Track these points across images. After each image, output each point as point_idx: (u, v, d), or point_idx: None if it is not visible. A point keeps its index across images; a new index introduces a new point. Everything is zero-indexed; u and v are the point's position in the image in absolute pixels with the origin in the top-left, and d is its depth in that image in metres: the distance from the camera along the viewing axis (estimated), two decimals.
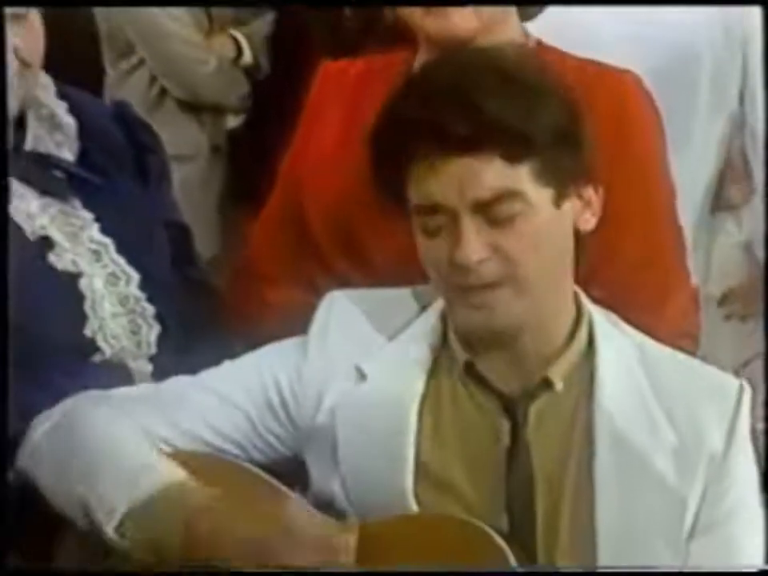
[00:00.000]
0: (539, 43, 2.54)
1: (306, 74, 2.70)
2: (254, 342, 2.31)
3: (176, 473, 2.17)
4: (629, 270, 2.42)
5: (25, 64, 2.40)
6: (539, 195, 2.08)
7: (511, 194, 2.06)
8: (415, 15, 2.45)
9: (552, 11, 2.62)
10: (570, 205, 2.12)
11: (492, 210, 2.05)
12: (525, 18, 2.56)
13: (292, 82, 2.84)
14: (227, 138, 4.39)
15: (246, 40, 4.30)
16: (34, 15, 2.43)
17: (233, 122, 4.40)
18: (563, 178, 2.10)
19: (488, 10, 2.46)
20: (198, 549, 2.14)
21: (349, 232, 2.52)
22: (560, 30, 2.59)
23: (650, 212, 2.51)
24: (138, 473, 2.17)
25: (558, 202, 2.09)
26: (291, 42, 4.23)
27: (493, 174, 2.05)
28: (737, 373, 2.59)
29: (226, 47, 4.29)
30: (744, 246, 3.57)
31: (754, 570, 2.17)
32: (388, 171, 2.14)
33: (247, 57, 4.28)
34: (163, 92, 4.22)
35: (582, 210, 2.14)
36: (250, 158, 4.10)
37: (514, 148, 2.05)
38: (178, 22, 4.20)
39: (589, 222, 2.15)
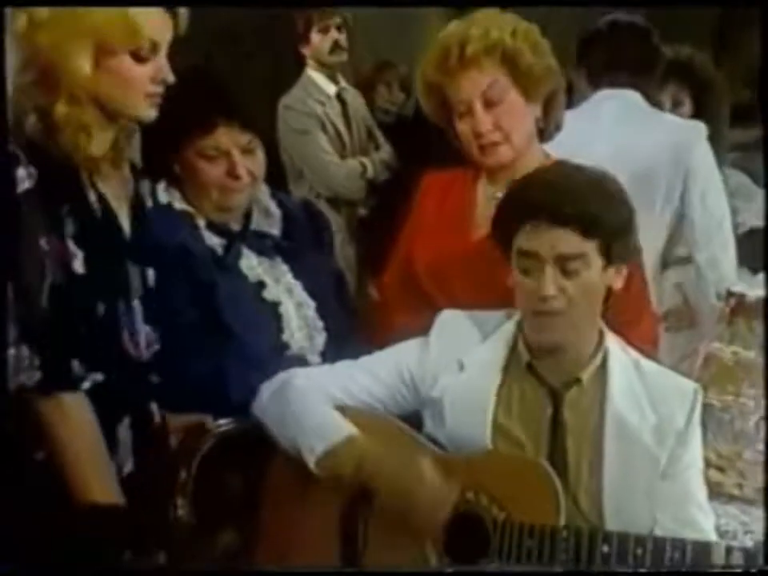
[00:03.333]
0: (558, 161, 2.85)
1: (413, 181, 3.10)
2: (384, 346, 2.76)
3: (351, 428, 2.61)
4: (623, 305, 2.69)
5: (254, 178, 2.88)
6: (596, 262, 2.51)
7: (580, 257, 2.48)
8: (474, 152, 2.89)
9: (558, 141, 3.02)
10: (613, 271, 2.56)
11: (566, 264, 2.48)
12: (542, 140, 2.97)
13: (401, 185, 3.28)
14: (358, 221, 5.14)
15: (370, 163, 5.09)
16: (260, 149, 2.88)
17: (362, 211, 5.17)
18: (614, 256, 2.53)
19: (517, 142, 2.88)
20: (364, 478, 2.57)
21: (443, 278, 2.90)
22: (565, 150, 2.94)
23: (630, 272, 2.71)
24: (328, 426, 2.61)
25: (605, 268, 2.53)
26: (403, 160, 4.96)
27: (573, 242, 2.48)
28: (674, 367, 2.84)
29: (356, 168, 5.09)
30: (676, 286, 3.95)
31: (753, 570, 2.37)
32: (507, 227, 2.55)
33: (370, 172, 5.09)
34: (318, 194, 4.96)
35: (616, 276, 2.58)
36: (373, 234, 4.82)
37: (590, 230, 2.48)
38: (328, 155, 5.00)
39: (618, 283, 2.59)
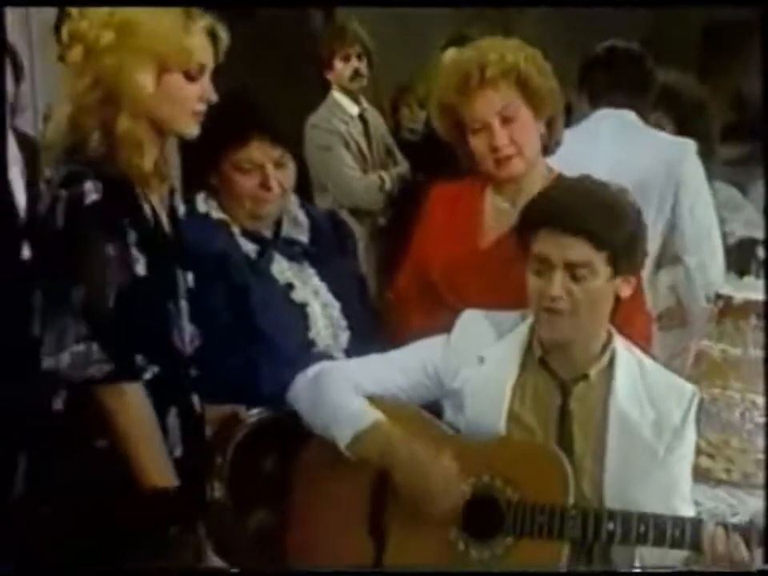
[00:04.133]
0: (560, 175, 2.94)
1: (424, 192, 3.13)
2: (401, 343, 2.78)
3: (378, 415, 2.64)
4: (620, 305, 2.66)
5: (284, 190, 2.91)
6: (604, 271, 2.53)
7: (588, 265, 2.51)
8: (489, 165, 2.91)
9: (561, 156, 3.03)
10: (620, 281, 2.58)
11: (574, 270, 2.51)
12: (545, 154, 2.99)
13: (416, 196, 3.25)
14: (378, 230, 5.18)
15: (388, 177, 5.12)
16: (291, 163, 2.91)
17: (380, 221, 5.20)
18: (621, 268, 2.56)
19: (529, 155, 2.90)
20: (388, 461, 2.60)
21: (454, 282, 2.91)
22: (567, 165, 2.96)
23: None
24: (357, 414, 2.64)
25: (612, 277, 2.56)
26: (414, 175, 5.05)
27: (583, 251, 2.51)
28: (668, 364, 2.88)
29: (375, 182, 5.12)
30: (670, 287, 3.92)
31: (753, 570, 2.36)
32: (526, 232, 2.58)
33: (388, 186, 5.12)
34: (341, 206, 4.98)
35: (623, 285, 2.60)
36: (391, 242, 4.85)
37: (600, 244, 2.51)
38: (351, 169, 5.04)
39: (626, 292, 2.61)
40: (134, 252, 2.50)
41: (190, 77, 2.55)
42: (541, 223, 2.55)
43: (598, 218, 2.52)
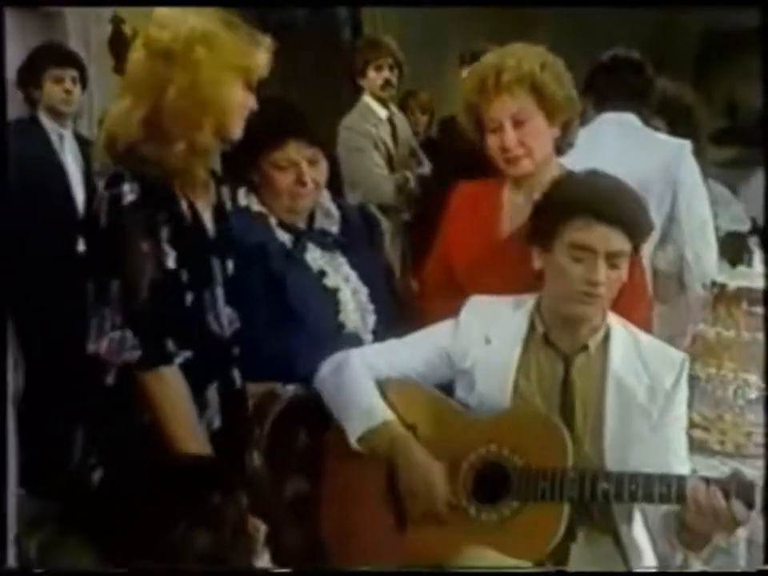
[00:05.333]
0: (570, 172, 2.79)
1: (448, 189, 3.08)
2: (424, 326, 2.75)
3: (388, 415, 2.61)
4: (624, 291, 2.63)
5: (317, 185, 2.91)
6: (627, 260, 2.53)
7: (624, 254, 2.51)
8: (501, 163, 2.87)
9: (572, 157, 2.97)
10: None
11: (613, 260, 2.50)
12: (558, 154, 2.95)
13: (440, 194, 3.17)
14: (403, 225, 5.17)
15: (412, 176, 5.11)
16: (323, 161, 2.90)
17: (404, 217, 5.18)
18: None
19: (538, 157, 2.85)
20: (393, 456, 2.60)
21: (475, 271, 2.86)
22: (573, 164, 2.88)
23: (632, 264, 2.65)
24: (368, 412, 2.62)
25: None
26: (436, 175, 5.00)
27: (620, 241, 2.50)
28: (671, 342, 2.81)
29: (401, 180, 5.12)
30: (667, 273, 3.92)
31: (753, 570, 2.48)
32: (551, 221, 2.54)
33: (412, 184, 5.10)
34: (370, 201, 4.94)
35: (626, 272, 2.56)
36: (415, 236, 4.95)
37: (633, 232, 2.50)
38: (380, 169, 5.04)
39: (626, 277, 2.56)
40: (166, 248, 2.49)
41: (251, 88, 2.55)
42: (571, 212, 2.52)
43: (629, 209, 2.51)
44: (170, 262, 2.49)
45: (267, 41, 2.54)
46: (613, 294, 2.55)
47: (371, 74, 5.33)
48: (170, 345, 2.50)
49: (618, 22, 3.94)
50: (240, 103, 2.53)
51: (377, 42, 5.49)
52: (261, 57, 2.52)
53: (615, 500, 2.46)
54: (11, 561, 2.11)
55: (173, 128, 2.48)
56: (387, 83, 5.33)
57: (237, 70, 2.49)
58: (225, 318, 2.64)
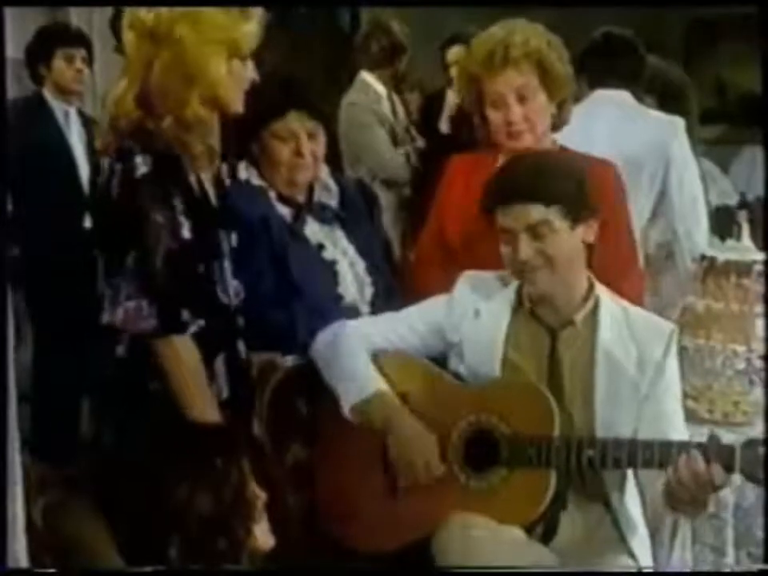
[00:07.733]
0: (562, 147, 2.95)
1: (444, 162, 3.08)
2: (420, 299, 2.74)
3: (381, 385, 2.60)
4: (614, 263, 2.74)
5: (316, 158, 2.88)
6: (560, 224, 2.49)
7: (545, 222, 2.48)
8: (501, 137, 2.88)
9: (563, 132, 2.99)
10: (581, 228, 2.53)
11: (535, 231, 2.48)
12: (553, 131, 2.95)
13: (438, 166, 3.16)
14: (403, 199, 5.17)
15: (413, 151, 5.13)
16: (322, 134, 2.88)
17: (406, 191, 5.19)
18: (575, 217, 2.51)
19: (539, 132, 2.86)
20: (383, 430, 2.57)
21: (470, 245, 2.87)
22: (569, 140, 2.97)
23: (621, 237, 2.93)
24: (362, 383, 2.61)
25: (572, 227, 2.51)
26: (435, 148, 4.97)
27: (538, 210, 2.48)
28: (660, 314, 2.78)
29: (404, 155, 5.13)
30: (659, 244, 3.98)
31: (754, 570, 2.39)
32: (490, 208, 2.55)
33: (413, 159, 5.10)
34: (374, 177, 5.00)
35: (586, 231, 2.54)
36: (415, 209, 4.81)
37: (548, 199, 2.47)
38: (385, 144, 5.06)
39: (590, 237, 2.55)
40: (180, 218, 2.48)
41: (244, 60, 2.53)
42: (497, 203, 2.54)
43: (538, 179, 2.49)
44: (186, 232, 2.48)
45: (258, 13, 2.52)
46: (566, 261, 2.53)
47: (372, 48, 5.31)
48: (186, 314, 2.49)
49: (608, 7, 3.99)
50: (230, 76, 2.51)
51: (379, 23, 5.45)
52: (249, 28, 2.50)
53: (600, 466, 2.45)
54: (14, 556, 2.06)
55: (160, 104, 2.48)
56: (388, 62, 5.31)
57: (222, 43, 2.47)
58: (231, 289, 2.63)
